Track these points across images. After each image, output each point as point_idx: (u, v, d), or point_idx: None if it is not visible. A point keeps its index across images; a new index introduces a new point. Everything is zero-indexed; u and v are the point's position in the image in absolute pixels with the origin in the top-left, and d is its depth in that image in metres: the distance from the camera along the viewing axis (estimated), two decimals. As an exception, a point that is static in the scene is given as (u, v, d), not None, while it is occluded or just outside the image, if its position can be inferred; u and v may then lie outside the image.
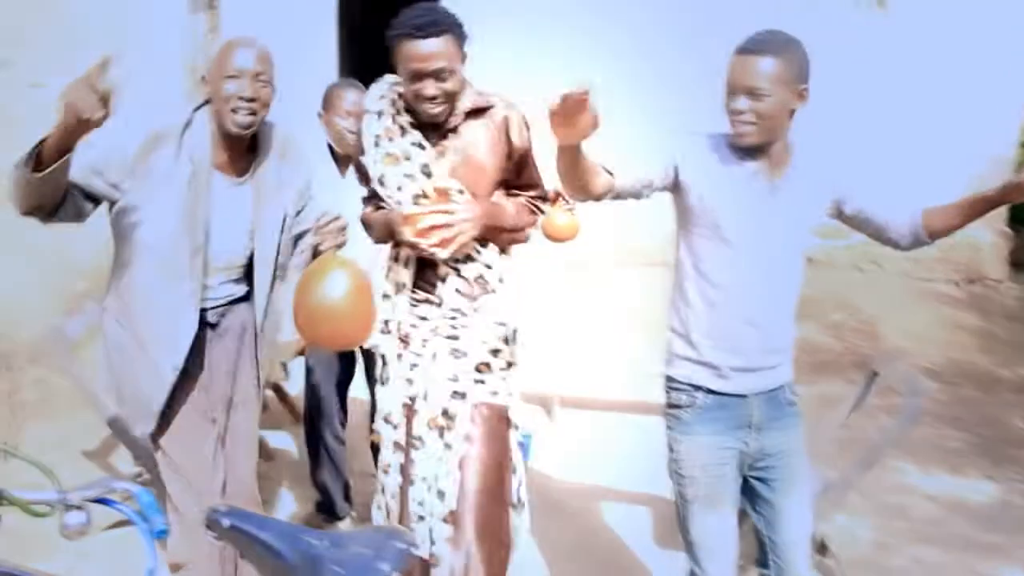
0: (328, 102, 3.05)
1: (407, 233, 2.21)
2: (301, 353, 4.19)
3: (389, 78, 2.39)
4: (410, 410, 2.36)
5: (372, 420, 3.36)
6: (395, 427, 2.39)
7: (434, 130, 2.30)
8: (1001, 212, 6.58)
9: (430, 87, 2.16)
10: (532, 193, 2.46)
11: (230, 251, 2.31)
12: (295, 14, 5.92)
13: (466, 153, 2.29)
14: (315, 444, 3.26)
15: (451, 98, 2.22)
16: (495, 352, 2.39)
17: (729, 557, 2.20)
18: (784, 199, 2.08)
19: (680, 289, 2.17)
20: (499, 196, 2.41)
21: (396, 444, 2.39)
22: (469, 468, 2.30)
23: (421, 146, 2.30)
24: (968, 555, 3.40)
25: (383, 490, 2.45)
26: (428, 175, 2.29)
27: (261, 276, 2.35)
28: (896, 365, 3.08)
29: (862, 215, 2.18)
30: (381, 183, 2.34)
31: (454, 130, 2.29)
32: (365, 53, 8.42)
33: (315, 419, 3.22)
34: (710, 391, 2.13)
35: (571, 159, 1.92)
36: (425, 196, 2.28)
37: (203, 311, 2.31)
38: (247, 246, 2.34)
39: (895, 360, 3.14)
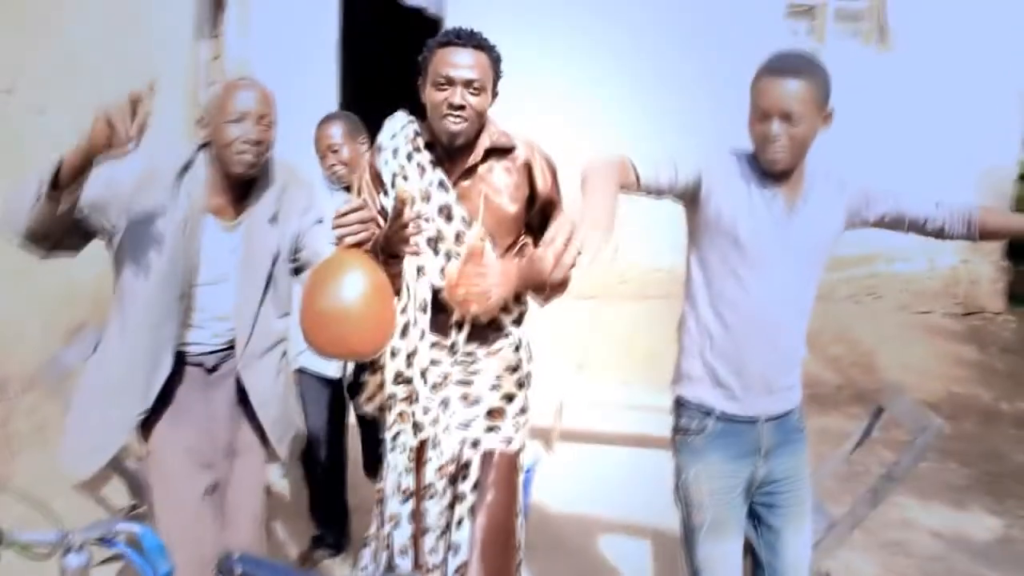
0: (315, 141, 3.04)
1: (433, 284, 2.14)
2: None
3: (402, 114, 2.35)
4: (419, 457, 2.27)
5: (365, 464, 3.32)
6: (402, 473, 2.29)
7: (454, 170, 2.23)
8: (998, 245, 6.61)
9: (458, 95, 2.11)
10: None
11: (220, 297, 2.22)
12: (297, 42, 5.95)
13: (486, 197, 2.22)
14: (313, 477, 3.21)
15: (475, 119, 2.15)
16: (509, 398, 2.31)
17: None
18: (801, 223, 2.05)
19: (693, 308, 2.13)
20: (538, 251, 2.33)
21: (405, 492, 2.28)
22: (481, 519, 2.22)
23: (443, 186, 2.23)
24: (974, 593, 3.37)
25: (382, 541, 2.33)
26: (449, 218, 2.22)
27: (244, 315, 2.24)
28: (902, 400, 3.06)
29: (889, 216, 2.14)
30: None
31: (473, 170, 2.23)
32: (365, 80, 8.47)
33: (311, 451, 3.17)
34: (721, 415, 2.10)
35: None
36: (441, 239, 2.22)
37: (203, 355, 2.24)
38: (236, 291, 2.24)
39: (900, 395, 3.11)
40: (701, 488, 2.12)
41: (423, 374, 2.27)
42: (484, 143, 2.22)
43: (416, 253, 2.12)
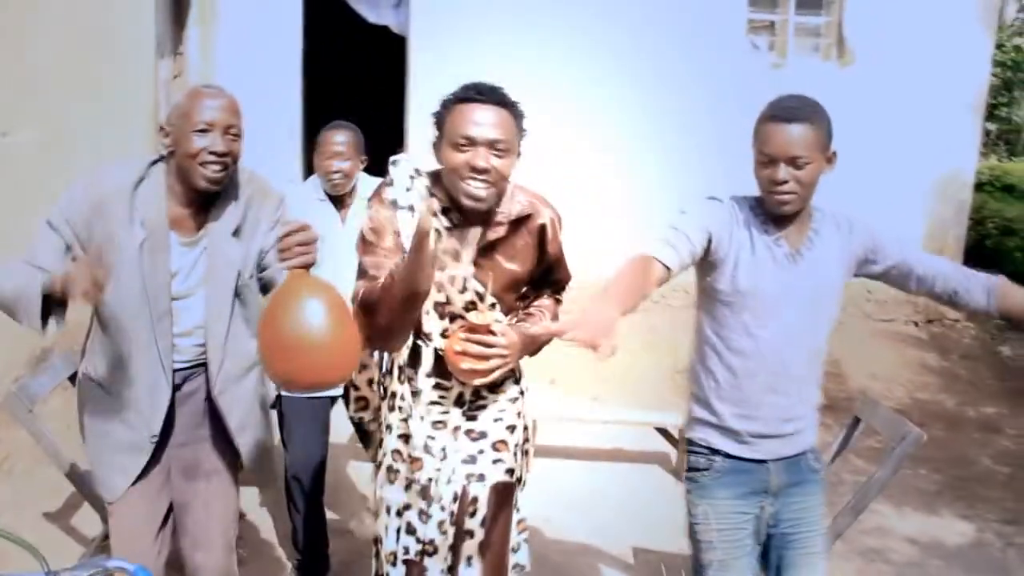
0: (318, 143, 3.01)
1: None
2: (273, 406, 4.08)
3: (405, 162, 2.12)
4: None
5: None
6: (399, 514, 2.17)
7: (472, 240, 2.06)
8: (958, 251, 6.74)
9: (482, 158, 1.90)
10: (561, 290, 2.30)
11: (182, 314, 2.15)
12: (261, 60, 5.90)
13: (500, 264, 2.07)
14: (295, 503, 3.13)
15: (500, 183, 1.97)
16: (511, 428, 2.21)
17: None
18: (805, 268, 2.04)
19: (700, 355, 2.14)
20: (537, 308, 2.23)
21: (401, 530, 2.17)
22: (488, 557, 2.13)
23: (460, 258, 2.04)
24: (950, 597, 3.42)
25: None
26: (462, 289, 2.06)
27: (214, 334, 2.17)
28: (878, 410, 3.10)
29: (897, 270, 2.10)
30: None
31: (492, 246, 2.06)
32: (330, 98, 8.42)
33: (298, 477, 3.08)
34: (728, 455, 2.11)
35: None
36: (450, 304, 2.08)
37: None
38: (203, 306, 2.17)
39: (876, 405, 3.15)
40: (710, 526, 2.12)
41: (425, 435, 2.15)
42: (507, 214, 2.06)
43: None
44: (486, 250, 2.06)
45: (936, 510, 4.22)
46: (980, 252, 7.55)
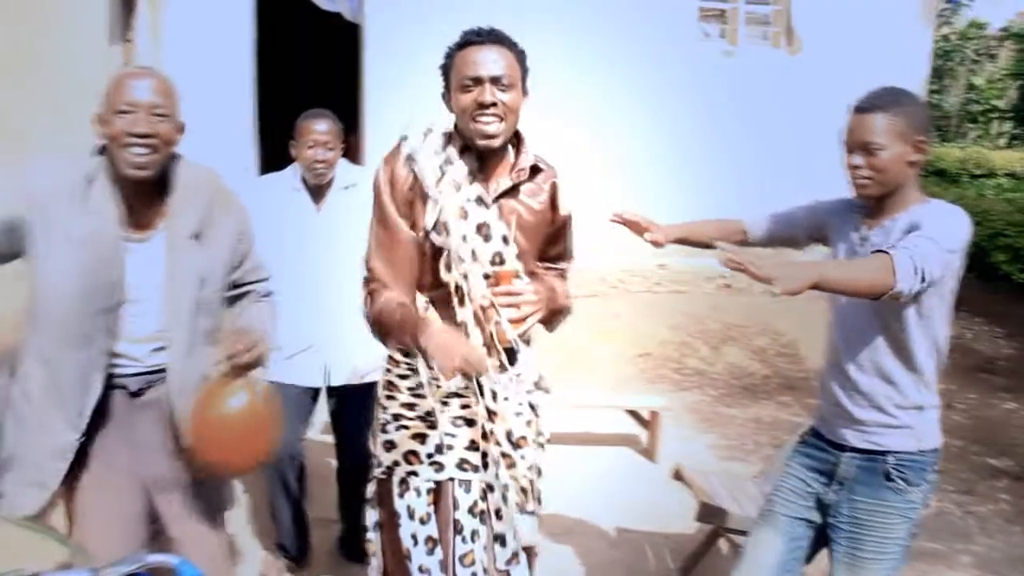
0: (299, 132, 2.95)
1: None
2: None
3: (437, 129, 2.14)
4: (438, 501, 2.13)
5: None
6: (423, 522, 2.12)
7: (491, 185, 2.09)
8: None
9: (488, 92, 1.96)
10: (563, 265, 2.30)
11: (146, 317, 2.03)
12: (211, 46, 5.77)
13: (520, 216, 2.10)
14: (278, 492, 3.09)
15: (509, 117, 2.01)
16: (533, 407, 2.20)
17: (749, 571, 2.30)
18: (866, 251, 2.08)
19: None
20: (546, 276, 2.22)
21: (429, 539, 2.11)
22: (527, 551, 2.17)
23: (482, 202, 2.07)
24: (919, 563, 3.55)
25: None
26: (487, 237, 2.07)
27: (175, 343, 2.04)
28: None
29: None
30: (441, 230, 2.06)
31: (515, 190, 2.10)
32: (282, 84, 8.28)
33: (277, 465, 3.03)
34: (814, 429, 2.29)
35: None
36: (475, 260, 2.07)
37: (125, 377, 2.05)
38: (161, 311, 2.04)
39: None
40: (774, 482, 2.37)
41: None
42: (528, 160, 2.12)
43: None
44: (508, 195, 2.11)
45: (897, 483, 4.36)
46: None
